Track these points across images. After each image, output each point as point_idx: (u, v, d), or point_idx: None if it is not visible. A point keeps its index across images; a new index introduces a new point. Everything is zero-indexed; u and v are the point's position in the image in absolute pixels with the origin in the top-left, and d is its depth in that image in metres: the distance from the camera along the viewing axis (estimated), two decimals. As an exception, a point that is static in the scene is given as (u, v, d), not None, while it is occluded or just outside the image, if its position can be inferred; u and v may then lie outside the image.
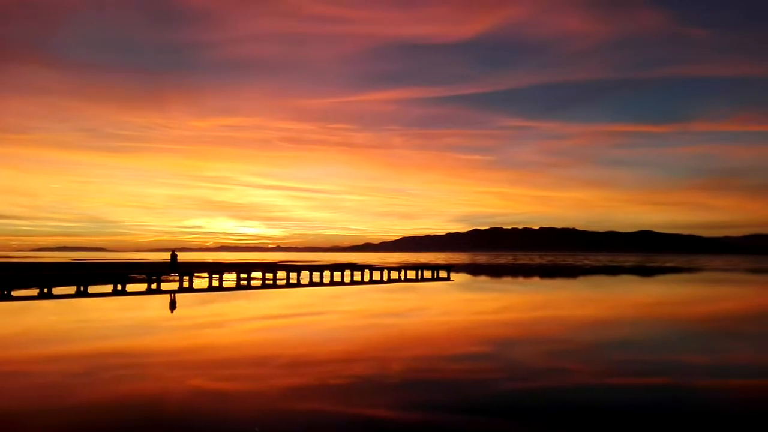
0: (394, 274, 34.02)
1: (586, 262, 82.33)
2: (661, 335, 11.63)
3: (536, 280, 33.95)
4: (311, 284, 25.99)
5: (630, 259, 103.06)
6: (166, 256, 40.82)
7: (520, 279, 34.41)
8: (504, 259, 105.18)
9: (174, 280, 26.94)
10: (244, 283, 26.23)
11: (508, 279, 34.18)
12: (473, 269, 49.52)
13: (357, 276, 31.72)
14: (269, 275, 30.65)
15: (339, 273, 31.85)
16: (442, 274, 36.13)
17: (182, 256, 50.68)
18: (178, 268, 27.54)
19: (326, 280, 28.72)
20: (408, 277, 32.54)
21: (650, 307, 17.31)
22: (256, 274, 30.55)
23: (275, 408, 5.93)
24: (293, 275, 29.45)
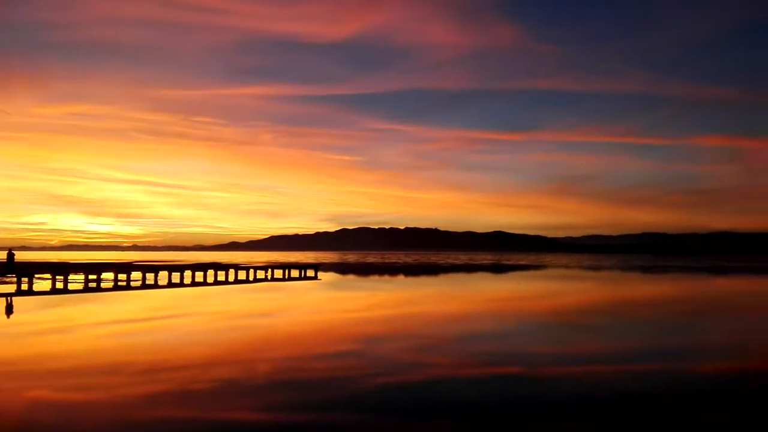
0: (261, 274, 33.26)
1: (448, 260, 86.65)
2: (514, 328, 12.54)
3: (402, 278, 35.08)
4: (170, 285, 24.53)
5: (486, 258, 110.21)
6: (1, 255, 36.35)
7: (387, 277, 35.33)
8: (372, 257, 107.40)
9: (11, 282, 24.02)
10: (94, 285, 24.07)
11: (375, 277, 34.92)
12: (341, 268, 49.95)
13: (221, 276, 30.52)
14: (123, 276, 28.34)
15: (201, 273, 30.42)
16: (310, 273, 35.98)
17: (21, 256, 45.50)
18: (15, 269, 24.63)
19: (187, 280, 27.29)
20: (275, 277, 31.98)
21: (504, 302, 18.61)
22: (108, 275, 28.21)
23: (129, 417, 5.49)
24: (150, 276, 27.61)
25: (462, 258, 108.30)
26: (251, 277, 30.84)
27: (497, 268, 51.22)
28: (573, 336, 11.43)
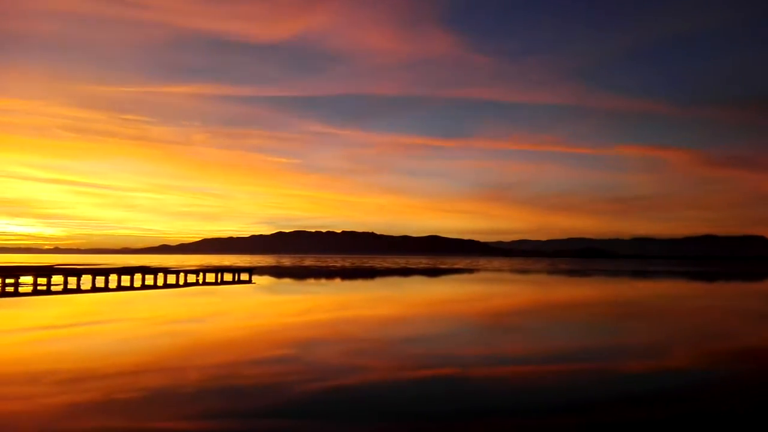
0: (192, 278, 32.32)
1: (384, 264, 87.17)
2: (447, 330, 12.80)
3: (338, 281, 35.00)
4: (95, 290, 23.43)
5: (422, 262, 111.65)
6: None
7: (323, 281, 35.15)
8: (308, 261, 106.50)
9: None
10: (11, 289, 22.65)
11: (311, 281, 34.67)
12: (277, 272, 49.27)
13: (149, 280, 29.43)
14: (43, 280, 26.78)
15: (128, 277, 29.21)
16: (244, 276, 35.30)
17: (-75, 259, 42.10)
18: None
19: (113, 284, 26.15)
20: (207, 281, 31.15)
21: (439, 305, 18.95)
22: (26, 279, 26.61)
23: (52, 429, 5.23)
24: (72, 280, 26.26)
25: (398, 262, 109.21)
26: (181, 281, 29.90)
27: (432, 272, 52.01)
28: (503, 337, 11.79)
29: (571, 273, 53.61)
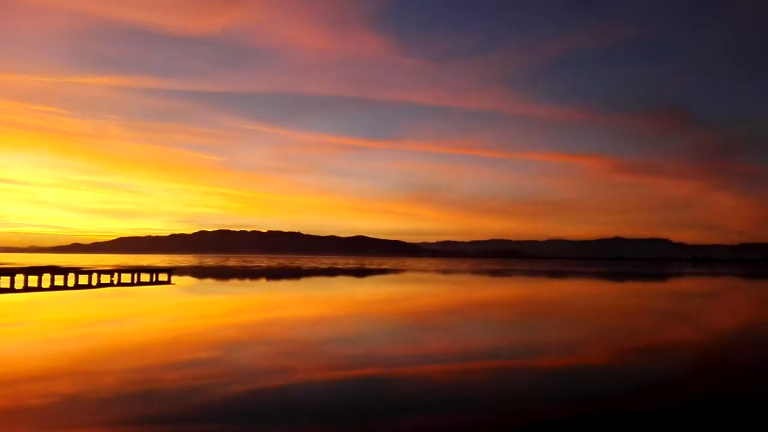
0: (106, 278, 30.77)
1: (311, 264, 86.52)
2: (372, 330, 12.92)
3: (263, 282, 34.41)
4: (-1, 291, 21.81)
5: (349, 262, 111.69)
6: None
7: (248, 281, 34.45)
8: (232, 261, 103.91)
9: None
10: None
11: (235, 281, 33.88)
12: (199, 272, 47.77)
13: (59, 280, 27.74)
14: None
15: (36, 277, 27.42)
16: (163, 277, 34.01)
17: None
18: None
19: (19, 285, 24.46)
20: (122, 281, 29.76)
21: (365, 305, 19.06)
22: None
23: (-55, 443, 4.86)
24: (-27, 281, 24.32)
25: (325, 262, 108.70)
26: (94, 282, 28.40)
27: (359, 272, 52.18)
28: (427, 336, 12.04)
29: (493, 273, 55.40)
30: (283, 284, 32.23)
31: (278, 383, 7.35)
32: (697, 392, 7.22)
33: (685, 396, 7.00)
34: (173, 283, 29.75)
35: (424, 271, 61.51)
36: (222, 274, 44.89)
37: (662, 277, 52.45)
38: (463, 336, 12.22)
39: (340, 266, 75.03)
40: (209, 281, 34.27)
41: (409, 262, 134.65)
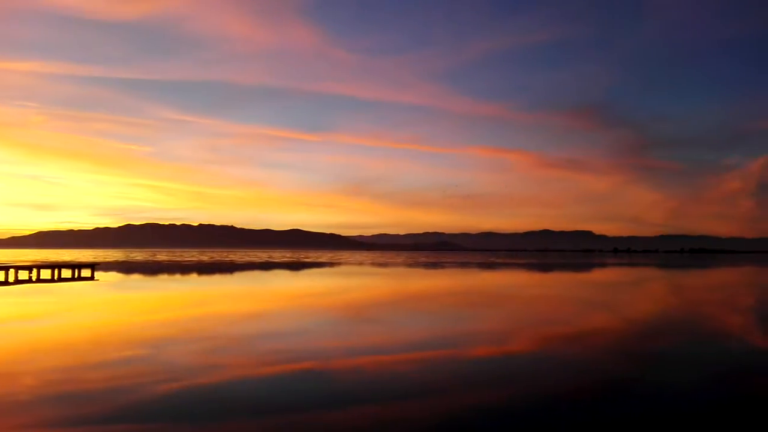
0: (23, 274, 29.04)
1: (245, 258, 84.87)
2: (308, 324, 12.84)
3: (194, 277, 33.45)
4: None
5: (285, 255, 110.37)
6: None
7: (178, 276, 33.39)
8: (161, 256, 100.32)
9: None
10: None
11: (164, 277, 32.76)
12: (125, 267, 45.84)
13: (-29, 278, 25.89)
14: None
15: (-56, 275, 25.47)
16: (86, 273, 32.45)
17: None
18: None
19: (-76, 284, 22.64)
20: (41, 278, 28.17)
21: (300, 299, 18.91)
22: None
23: None
24: None
25: (260, 256, 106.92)
26: (11, 279, 26.73)
27: (295, 266, 51.68)
28: (363, 329, 12.11)
29: (427, 265, 56.28)
30: (216, 279, 31.46)
31: (211, 380, 7.19)
32: (615, 375, 7.65)
33: (604, 379, 7.40)
34: (97, 279, 28.42)
35: (360, 264, 61.69)
36: (150, 269, 43.29)
37: (586, 267, 54.99)
38: (397, 327, 12.37)
39: (275, 260, 74.02)
40: (136, 277, 32.95)
41: (345, 255, 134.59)
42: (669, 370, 8.05)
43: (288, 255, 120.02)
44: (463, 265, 60.10)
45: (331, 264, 59.19)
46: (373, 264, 61.04)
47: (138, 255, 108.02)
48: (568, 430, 5.36)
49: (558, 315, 14.86)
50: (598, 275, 39.66)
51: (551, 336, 11.12)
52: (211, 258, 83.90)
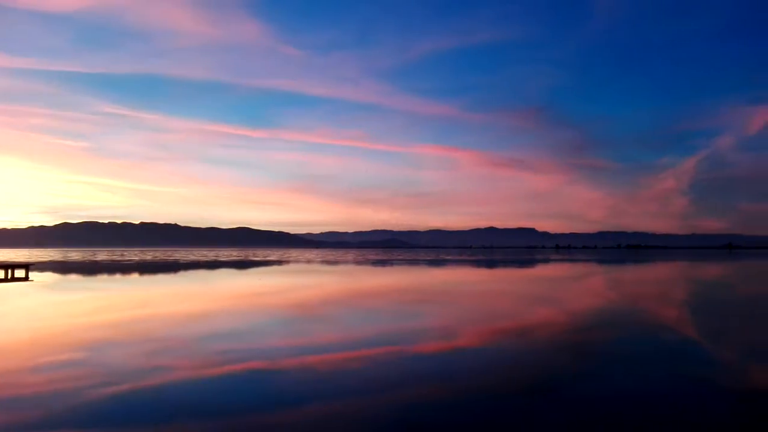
0: (-49, 277, 27.35)
1: (191, 257, 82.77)
2: (256, 323, 12.68)
3: (136, 277, 32.39)
4: None
5: (232, 254, 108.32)
6: None
7: (118, 276, 32.26)
8: (101, 255, 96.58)
9: None
10: None
11: (104, 277, 31.58)
12: (62, 267, 43.90)
13: None
14: None
15: None
16: (19, 273, 30.92)
17: None
18: None
19: None
20: (-29, 280, 26.61)
21: (248, 298, 18.63)
22: None
23: None
24: None
25: (206, 254, 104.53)
26: (-64, 281, 25.14)
27: (243, 264, 50.82)
28: (312, 327, 12.06)
29: (377, 263, 56.48)
30: (159, 279, 30.57)
31: (154, 382, 7.01)
32: (557, 367, 7.93)
33: (547, 371, 7.66)
34: (32, 280, 27.11)
35: (309, 262, 61.26)
36: (89, 269, 41.64)
37: (530, 264, 56.50)
38: (346, 325, 12.39)
39: (222, 258, 72.56)
40: (74, 277, 31.62)
41: (294, 253, 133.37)
42: (607, 361, 8.41)
43: (235, 253, 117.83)
44: (412, 262, 60.63)
45: (279, 262, 58.53)
46: (323, 262, 60.76)
47: (76, 255, 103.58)
48: (514, 422, 5.52)
49: (504, 310, 15.24)
50: (541, 271, 40.83)
51: (497, 331, 11.40)
52: (155, 257, 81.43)
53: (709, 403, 6.16)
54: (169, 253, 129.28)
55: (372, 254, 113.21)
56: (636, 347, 9.60)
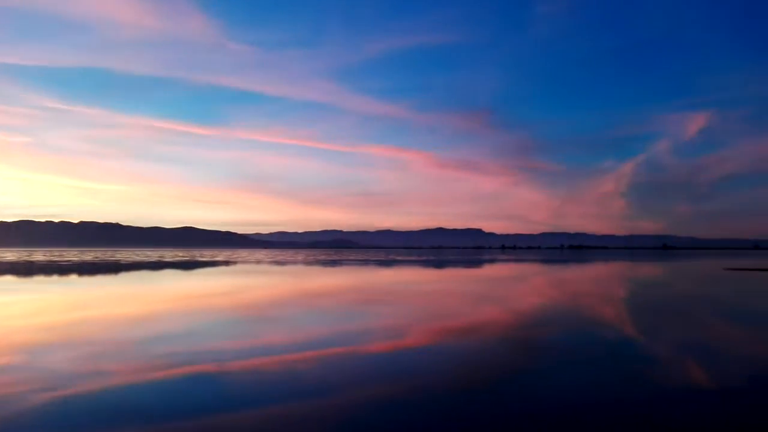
0: None
1: (134, 257, 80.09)
2: (202, 325, 12.41)
3: (75, 278, 31.09)
4: None
5: (178, 254, 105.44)
6: None
7: (57, 278, 30.88)
8: (38, 255, 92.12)
9: None
10: None
11: (41, 278, 30.16)
12: (-7, 269, 41.64)
13: None
14: None
15: None
16: (-53, 275, 29.12)
17: None
18: None
19: None
20: None
21: (194, 300, 18.21)
22: None
23: None
24: None
25: (150, 255, 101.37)
26: None
27: (189, 265, 49.56)
28: (261, 328, 11.91)
29: (326, 263, 56.22)
30: (100, 280, 29.45)
31: (94, 387, 6.77)
32: (503, 364, 8.13)
33: (493, 368, 7.85)
34: (-41, 283, 25.58)
35: (258, 262, 60.36)
36: (24, 270, 39.66)
37: (477, 264, 57.54)
38: (296, 326, 12.30)
39: (167, 259, 70.52)
40: (7, 278, 30.06)
41: (243, 253, 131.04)
42: (551, 357, 8.68)
43: (181, 254, 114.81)
44: (362, 262, 60.67)
45: (227, 263, 57.42)
46: (272, 262, 60.01)
47: (9, 255, 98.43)
48: (462, 420, 5.63)
49: (452, 309, 15.47)
50: (488, 271, 41.66)
51: (445, 329, 11.58)
52: (95, 258, 78.38)
53: (642, 397, 6.46)
54: (111, 253, 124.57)
55: (322, 254, 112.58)
56: (575, 344, 9.94)
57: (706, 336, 10.91)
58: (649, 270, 42.98)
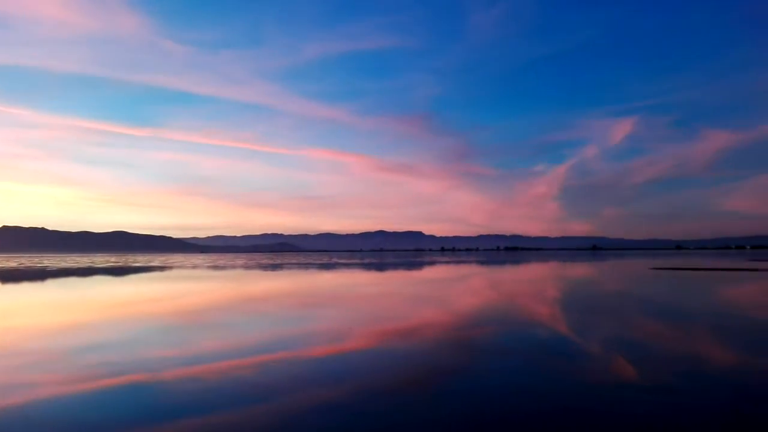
0: None
1: (61, 263, 76.15)
2: (135, 334, 11.99)
3: (-5, 286, 29.26)
4: None
5: (109, 260, 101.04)
6: None
7: (-27, 286, 28.96)
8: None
9: None
10: None
11: (-45, 287, 28.19)
12: None
13: None
14: None
15: None
16: None
17: None
18: None
19: None
20: None
21: (126, 307, 17.54)
22: None
23: None
24: None
25: (78, 261, 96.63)
26: None
27: (120, 271, 47.61)
28: (198, 335, 11.62)
29: (267, 267, 55.38)
30: (25, 288, 27.85)
31: (19, 400, 6.43)
32: (445, 364, 8.29)
33: (436, 369, 7.99)
34: None
35: (195, 267, 58.73)
36: (-63, 278, 36.95)
37: (418, 266, 58.20)
38: (236, 332, 12.08)
39: (97, 265, 67.49)
40: None
41: (179, 258, 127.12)
42: (488, 357, 8.92)
43: (113, 259, 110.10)
44: (304, 266, 60.14)
45: (162, 268, 55.55)
46: (210, 267, 58.53)
47: None
48: (405, 421, 5.71)
49: (393, 311, 15.60)
50: (428, 273, 42.22)
51: (386, 332, 11.67)
52: (20, 264, 74.02)
53: (575, 391, 6.75)
54: (37, 259, 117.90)
55: (262, 258, 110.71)
56: (512, 344, 10.26)
57: (637, 333, 11.50)
58: (582, 270, 44.77)
